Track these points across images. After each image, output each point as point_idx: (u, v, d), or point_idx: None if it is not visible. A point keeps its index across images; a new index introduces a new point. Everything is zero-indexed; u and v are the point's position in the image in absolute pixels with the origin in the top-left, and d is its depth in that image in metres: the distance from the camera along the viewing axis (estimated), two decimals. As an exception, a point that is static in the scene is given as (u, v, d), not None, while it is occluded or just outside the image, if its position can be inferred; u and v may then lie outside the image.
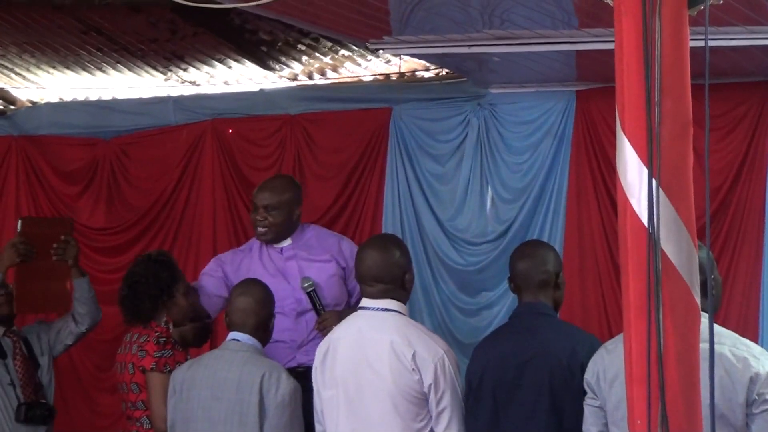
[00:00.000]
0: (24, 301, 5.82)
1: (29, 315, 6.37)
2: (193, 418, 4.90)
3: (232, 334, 4.92)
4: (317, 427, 4.78)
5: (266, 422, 4.76)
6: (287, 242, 5.75)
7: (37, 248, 5.77)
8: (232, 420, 4.79)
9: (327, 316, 5.45)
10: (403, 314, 4.65)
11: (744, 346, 3.99)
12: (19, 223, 5.91)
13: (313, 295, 5.53)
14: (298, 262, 5.69)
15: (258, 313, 4.90)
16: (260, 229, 5.71)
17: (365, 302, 4.68)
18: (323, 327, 5.42)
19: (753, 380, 3.89)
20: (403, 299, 4.67)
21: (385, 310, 4.61)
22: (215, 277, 5.71)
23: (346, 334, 4.68)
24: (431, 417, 4.54)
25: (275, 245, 5.74)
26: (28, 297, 5.83)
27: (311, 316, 5.57)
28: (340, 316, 5.23)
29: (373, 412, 4.55)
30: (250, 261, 5.75)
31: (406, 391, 4.51)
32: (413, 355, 4.49)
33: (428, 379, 4.50)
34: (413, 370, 4.49)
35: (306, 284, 5.54)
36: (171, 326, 5.41)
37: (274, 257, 5.71)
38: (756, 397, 3.90)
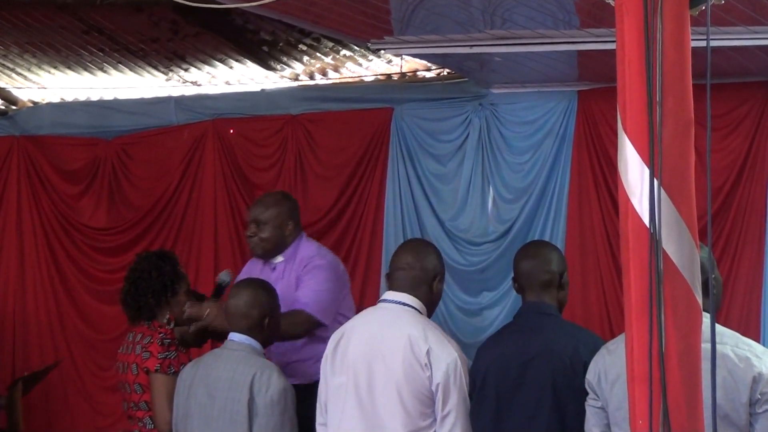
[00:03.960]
0: None
1: None
2: (191, 414, 4.94)
3: (231, 335, 4.98)
4: (318, 419, 4.76)
5: (256, 421, 4.78)
6: (279, 259, 5.70)
7: None
8: (224, 418, 4.82)
9: (208, 305, 5.38)
10: (421, 313, 4.67)
11: (746, 345, 3.98)
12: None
13: (219, 290, 5.54)
14: (286, 283, 5.59)
15: (248, 314, 4.92)
16: (251, 245, 5.71)
17: (387, 295, 4.72)
18: (195, 312, 5.36)
19: (756, 380, 3.89)
20: (425, 300, 4.70)
21: (404, 304, 4.64)
22: None
23: (363, 323, 4.72)
24: (436, 419, 4.54)
25: (269, 261, 5.71)
26: None
27: None
28: (219, 307, 5.26)
29: (379, 403, 4.56)
30: (252, 271, 5.72)
31: (415, 387, 4.51)
32: (428, 351, 4.51)
33: (437, 378, 4.50)
34: (425, 365, 4.50)
35: (223, 277, 5.57)
36: (173, 324, 5.41)
37: (267, 274, 5.62)
38: (759, 396, 3.89)
